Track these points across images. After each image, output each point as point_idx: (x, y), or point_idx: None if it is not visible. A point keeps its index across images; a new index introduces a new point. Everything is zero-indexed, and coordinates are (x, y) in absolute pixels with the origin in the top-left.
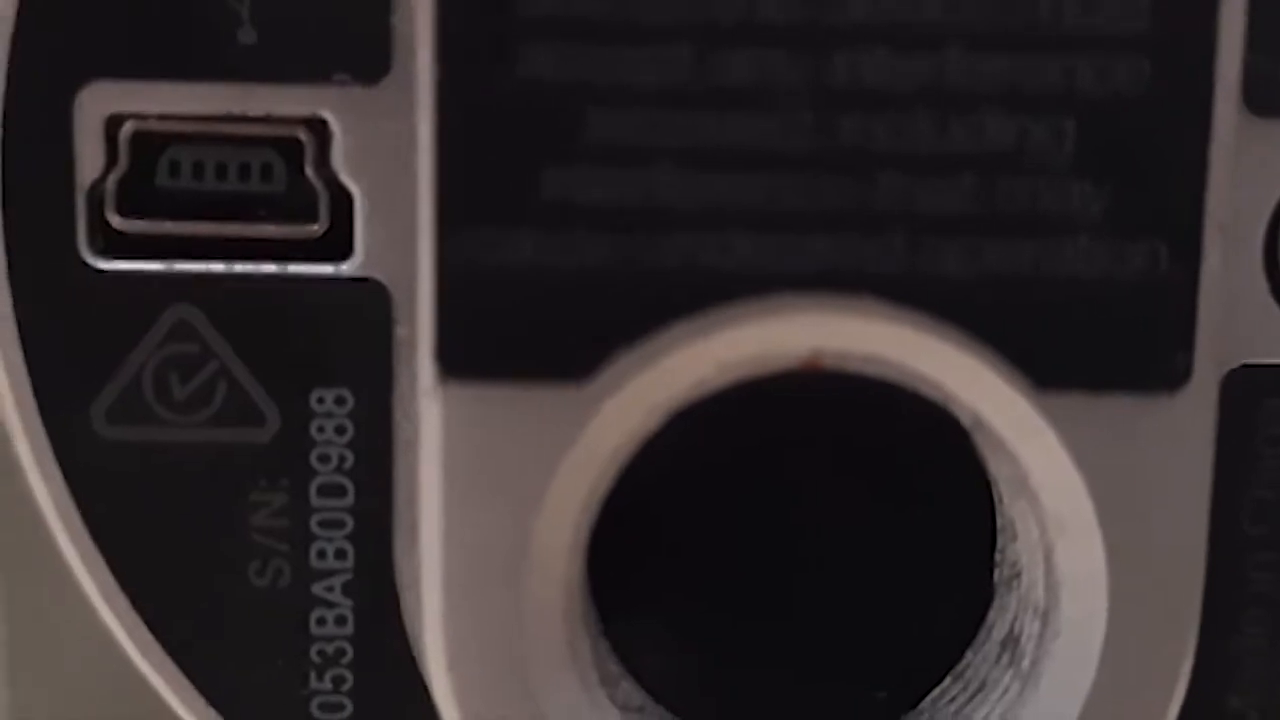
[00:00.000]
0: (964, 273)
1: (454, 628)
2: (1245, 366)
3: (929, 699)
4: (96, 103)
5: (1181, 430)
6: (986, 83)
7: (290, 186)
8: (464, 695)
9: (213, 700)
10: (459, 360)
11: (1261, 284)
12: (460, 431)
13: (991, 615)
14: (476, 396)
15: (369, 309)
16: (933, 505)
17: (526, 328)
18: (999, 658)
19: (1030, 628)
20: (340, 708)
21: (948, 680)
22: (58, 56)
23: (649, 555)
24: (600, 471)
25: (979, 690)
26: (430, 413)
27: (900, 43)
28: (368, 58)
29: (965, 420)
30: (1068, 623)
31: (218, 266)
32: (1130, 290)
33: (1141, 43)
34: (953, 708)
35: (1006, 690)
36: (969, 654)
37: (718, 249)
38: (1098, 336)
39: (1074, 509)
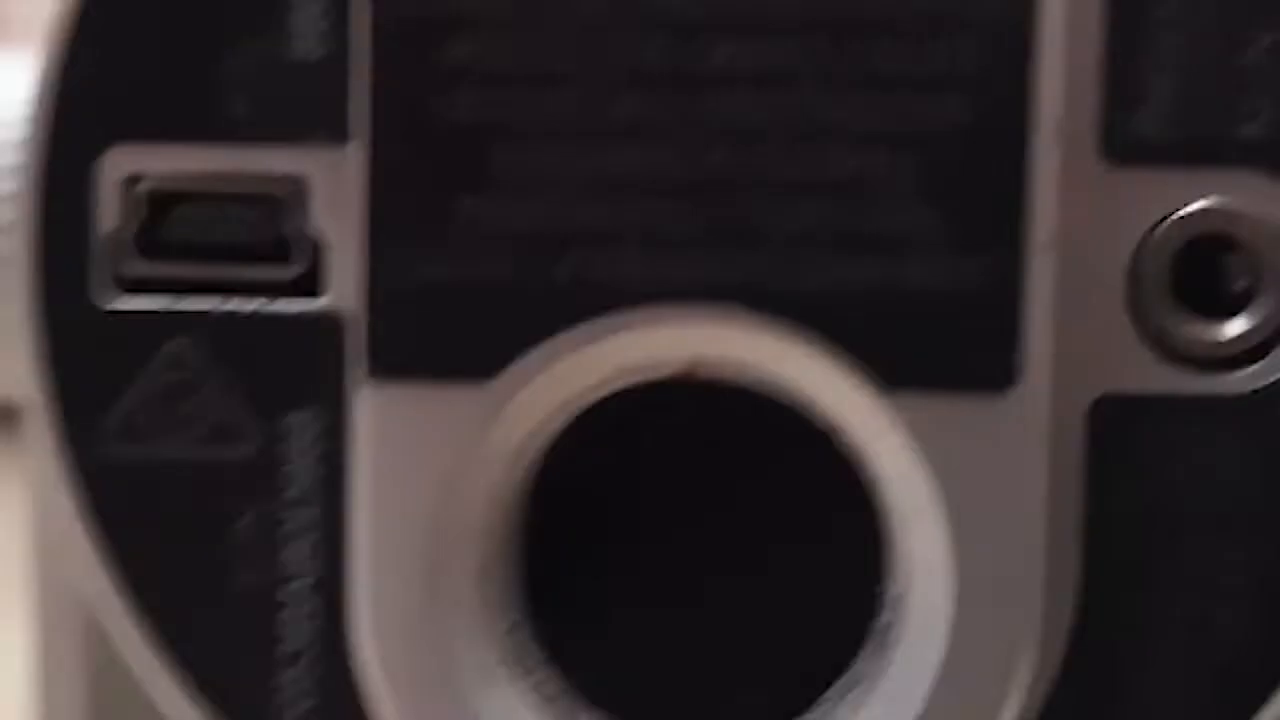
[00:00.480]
0: (821, 285)
1: (374, 605)
2: (1111, 395)
3: (823, 698)
4: (117, 166)
5: (1014, 425)
6: (836, 117)
7: (276, 235)
8: (391, 680)
9: (198, 691)
10: (384, 362)
11: (1123, 319)
12: (383, 424)
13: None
14: (398, 393)
15: (336, 339)
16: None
17: (442, 334)
18: (872, 650)
19: (891, 618)
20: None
21: (840, 679)
22: (84, 125)
23: (577, 551)
24: (507, 464)
25: (851, 684)
26: (360, 410)
27: (761, 83)
28: (336, 123)
29: (825, 424)
30: (918, 611)
31: (212, 304)
32: (964, 300)
33: (966, 84)
34: (829, 705)
35: (868, 677)
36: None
37: (607, 265)
38: (937, 342)
39: (921, 502)
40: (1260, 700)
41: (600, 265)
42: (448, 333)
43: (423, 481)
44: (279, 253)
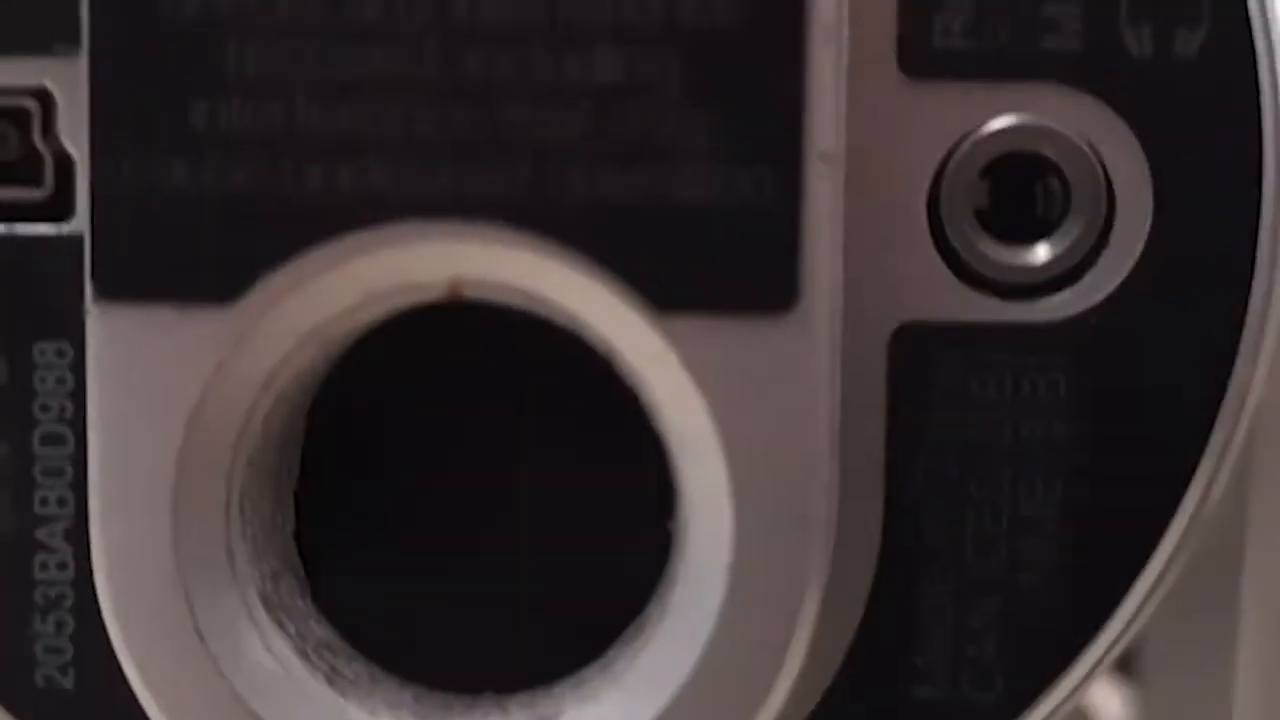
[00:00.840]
0: (584, 199)
1: (110, 547)
2: (914, 323)
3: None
4: None
5: (794, 349)
6: (596, 18)
7: (21, 153)
8: (123, 617)
9: None
10: (113, 282)
11: (926, 243)
12: (114, 351)
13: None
14: (129, 317)
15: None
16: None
17: (176, 251)
18: (658, 592)
19: (675, 558)
20: (62, 650)
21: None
22: None
23: (350, 495)
24: (254, 395)
25: (639, 628)
26: (90, 334)
27: None
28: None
29: (600, 348)
30: (698, 547)
31: None
32: (737, 215)
33: None
34: (615, 651)
35: (653, 619)
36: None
37: (354, 177)
38: (711, 260)
39: (698, 430)
40: (1066, 642)
41: (348, 177)
42: (182, 251)
43: (160, 414)
44: (28, 172)
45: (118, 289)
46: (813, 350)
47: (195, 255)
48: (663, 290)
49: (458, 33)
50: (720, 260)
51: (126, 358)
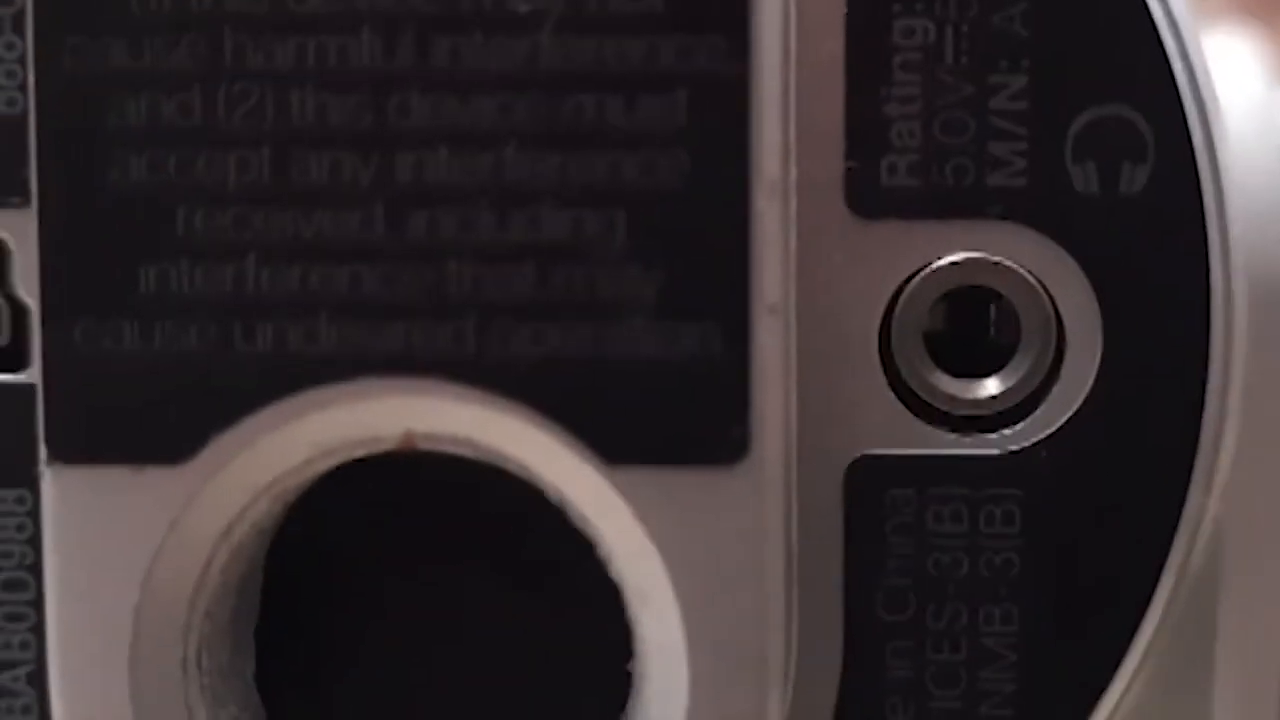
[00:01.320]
0: (532, 355)
1: (69, 702)
2: (868, 457)
3: None
4: None
5: (745, 501)
6: (541, 178)
7: None
8: None
9: None
10: (66, 444)
11: (879, 377)
12: (69, 513)
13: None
14: (83, 478)
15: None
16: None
17: (128, 412)
18: None
19: (632, 698)
20: None
21: None
22: None
23: (311, 633)
24: (209, 550)
25: None
26: (45, 495)
27: (460, 143)
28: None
29: (553, 498)
30: (655, 693)
31: None
32: (685, 369)
33: (679, 139)
34: None
35: None
36: None
37: (304, 336)
38: (660, 413)
39: (652, 580)
40: None
41: (298, 336)
42: (135, 412)
43: (116, 573)
44: None
45: (71, 451)
46: (764, 499)
47: (148, 416)
48: (613, 443)
49: (403, 194)
50: (669, 414)
51: (82, 517)
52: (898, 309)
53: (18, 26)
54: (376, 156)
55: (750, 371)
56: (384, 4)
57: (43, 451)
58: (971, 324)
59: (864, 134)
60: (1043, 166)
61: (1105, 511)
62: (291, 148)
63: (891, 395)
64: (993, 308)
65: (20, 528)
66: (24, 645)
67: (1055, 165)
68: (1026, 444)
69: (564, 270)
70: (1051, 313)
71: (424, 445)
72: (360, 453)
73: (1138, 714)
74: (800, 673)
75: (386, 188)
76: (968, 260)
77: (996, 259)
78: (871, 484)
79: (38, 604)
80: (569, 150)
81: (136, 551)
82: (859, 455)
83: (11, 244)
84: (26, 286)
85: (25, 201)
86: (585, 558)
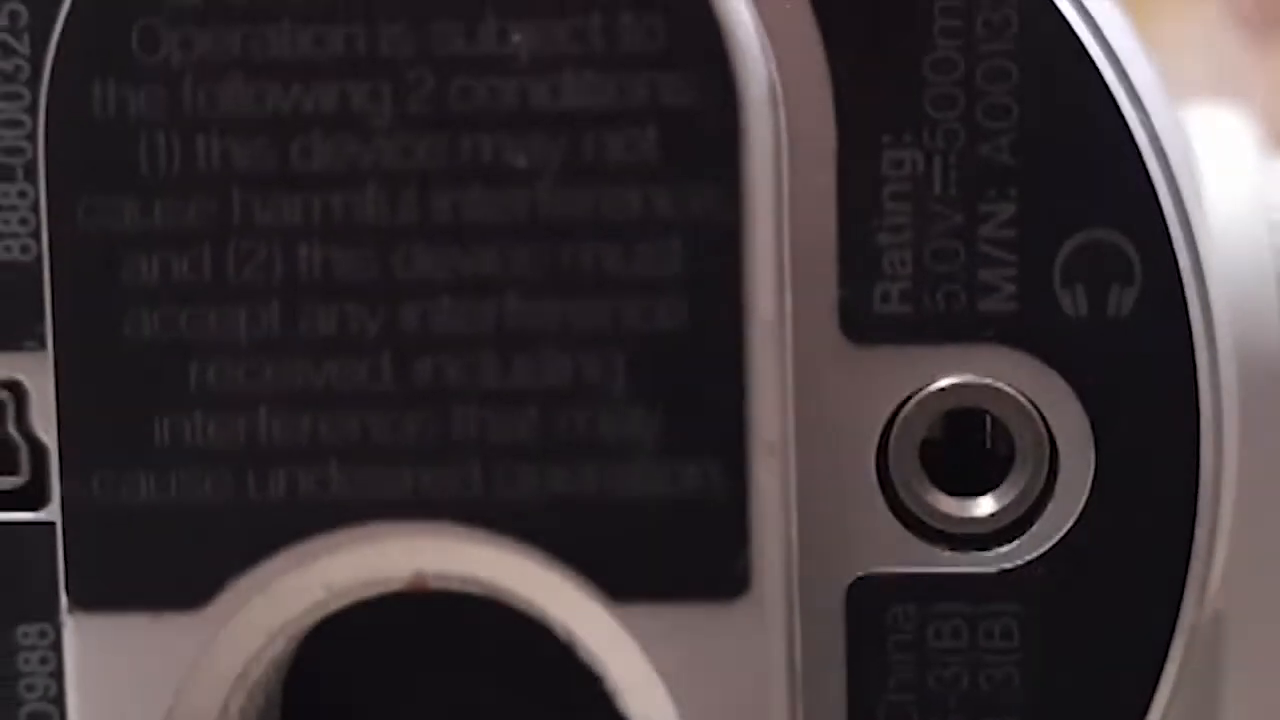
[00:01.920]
0: (537, 496)
1: None
2: (869, 576)
3: None
4: None
5: (748, 633)
6: (543, 324)
7: None
8: None
9: None
10: (86, 593)
11: (877, 498)
12: (90, 659)
13: None
14: (103, 626)
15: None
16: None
17: (146, 561)
18: None
19: None
20: None
21: None
22: None
23: None
24: (227, 691)
25: None
26: (67, 641)
27: (463, 292)
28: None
29: (561, 634)
30: None
31: None
32: (687, 506)
33: (676, 284)
34: None
35: None
36: None
37: (316, 483)
38: (663, 550)
39: (658, 711)
40: None
41: (309, 483)
42: (152, 560)
43: (134, 716)
44: (4, 462)
45: (91, 599)
46: (767, 630)
47: (164, 564)
48: (618, 580)
49: (409, 343)
50: (672, 550)
51: (102, 663)
52: (894, 432)
53: (29, 174)
54: (382, 307)
55: (750, 507)
56: (387, 160)
57: (63, 600)
58: (967, 437)
59: (857, 262)
60: (1032, 291)
61: (1101, 624)
62: (299, 300)
63: (890, 515)
64: (988, 419)
65: (44, 660)
66: None
67: (1044, 289)
68: (1022, 561)
69: (567, 412)
70: (1044, 433)
71: (435, 585)
72: (373, 593)
73: None
74: None
75: (392, 337)
76: (962, 383)
77: (989, 381)
78: (872, 602)
79: None
80: (569, 297)
81: (156, 695)
82: (860, 574)
83: (29, 385)
84: (44, 426)
85: (41, 345)
86: (592, 689)
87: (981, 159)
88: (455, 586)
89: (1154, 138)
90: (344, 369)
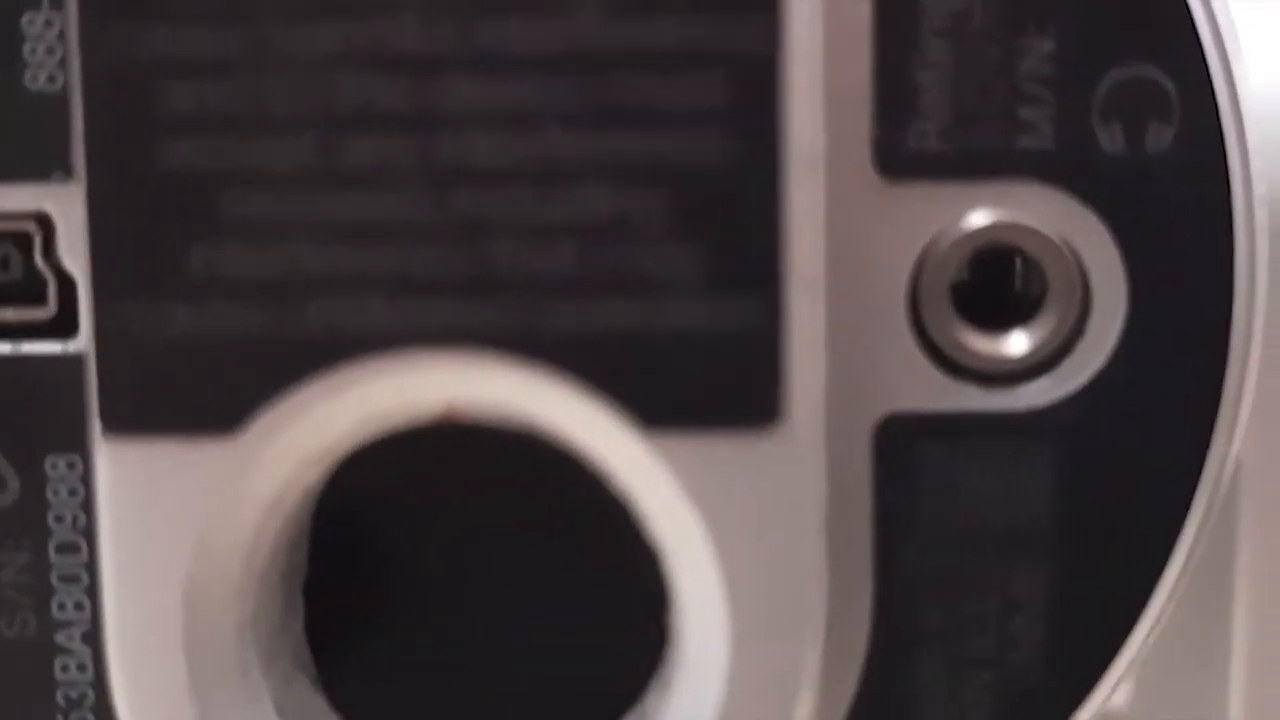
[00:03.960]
0: (573, 327)
1: (128, 670)
2: (897, 414)
3: None
4: None
5: (782, 462)
6: (583, 157)
7: (24, 274)
8: None
9: None
10: (120, 417)
11: (907, 336)
12: (123, 483)
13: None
14: (135, 451)
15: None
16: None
17: (178, 386)
18: (657, 688)
19: (670, 656)
20: None
21: (627, 715)
22: None
23: (355, 597)
24: (261, 517)
25: None
26: (99, 467)
27: (502, 123)
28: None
29: (592, 465)
30: (695, 652)
31: None
32: (723, 338)
33: (717, 116)
34: None
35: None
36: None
37: (351, 311)
38: (698, 380)
39: (691, 541)
40: (1061, 710)
41: (345, 311)
42: (186, 385)
43: (169, 542)
44: (32, 292)
45: (125, 423)
46: (800, 459)
47: (199, 389)
48: (652, 409)
49: (447, 174)
50: (708, 380)
51: (135, 489)
52: (925, 269)
53: (56, 2)
54: (421, 137)
55: (786, 339)
56: None
57: (96, 425)
58: (997, 276)
59: (893, 98)
60: (1070, 127)
61: (1130, 463)
62: (336, 130)
63: (920, 353)
64: (1018, 260)
65: (73, 492)
66: (78, 606)
67: (1082, 126)
68: (1053, 399)
69: (606, 245)
70: (1078, 271)
71: (467, 416)
72: (406, 423)
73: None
74: (829, 622)
75: (431, 168)
76: (995, 221)
77: (1024, 219)
78: (900, 441)
79: (90, 566)
80: (609, 130)
81: (189, 520)
82: (888, 413)
83: (56, 216)
84: (72, 258)
85: (69, 176)
86: (620, 521)
87: None
88: (487, 419)
89: None
90: (381, 199)
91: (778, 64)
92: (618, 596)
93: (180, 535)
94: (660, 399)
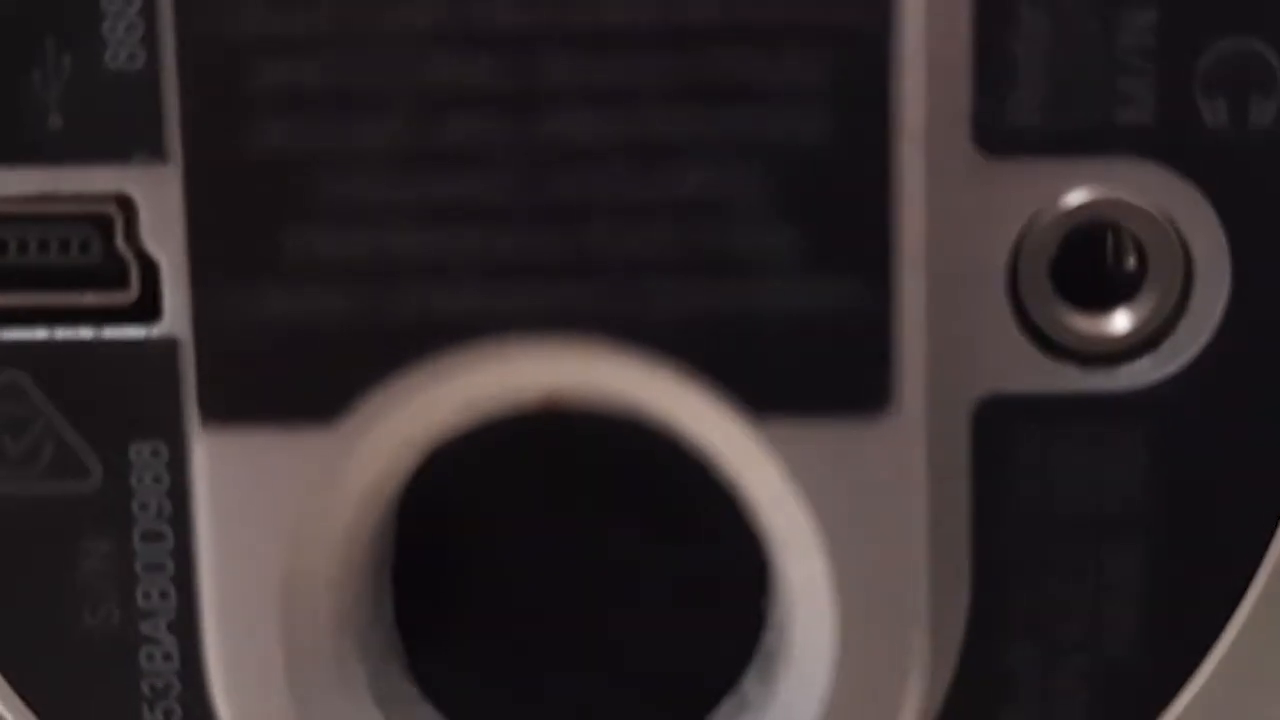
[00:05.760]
0: (677, 310)
1: (226, 661)
2: (996, 395)
3: None
4: None
5: (889, 447)
6: (683, 135)
7: (105, 258)
8: None
9: None
10: (218, 406)
11: (1007, 315)
12: (221, 473)
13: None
14: (235, 440)
15: (175, 366)
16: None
17: (279, 374)
18: (757, 674)
19: (774, 643)
20: None
21: (724, 702)
22: None
23: (454, 585)
24: (360, 507)
25: (740, 709)
26: (197, 456)
27: (600, 100)
28: (158, 138)
29: (696, 450)
30: (802, 638)
31: (41, 333)
32: (830, 321)
33: (822, 93)
34: None
35: (756, 704)
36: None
37: (450, 296)
38: (805, 365)
39: (798, 527)
40: (1152, 701)
41: (444, 297)
42: (285, 373)
43: (268, 532)
44: (113, 276)
45: (225, 414)
46: (908, 445)
47: (297, 378)
48: (760, 395)
49: (545, 153)
50: (815, 365)
51: (234, 479)
52: (1024, 247)
53: None
54: (518, 116)
55: (893, 321)
56: None
57: (195, 414)
58: (1097, 266)
59: (992, 72)
60: (1171, 101)
61: (1230, 444)
62: (432, 110)
63: (1018, 333)
64: (1110, 235)
65: (157, 479)
66: (164, 595)
67: (1184, 100)
68: (1153, 380)
69: (707, 225)
70: (1180, 248)
71: (568, 403)
72: (506, 410)
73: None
74: (930, 609)
75: (528, 147)
76: (1096, 198)
77: (1125, 195)
78: (999, 423)
79: (175, 554)
80: (711, 107)
81: (288, 511)
82: (986, 393)
83: (139, 199)
84: (156, 241)
85: (152, 158)
86: (715, 504)
87: None
88: (589, 406)
89: None
90: (478, 180)
91: (888, 39)
92: (712, 582)
93: (279, 526)
94: (768, 385)
